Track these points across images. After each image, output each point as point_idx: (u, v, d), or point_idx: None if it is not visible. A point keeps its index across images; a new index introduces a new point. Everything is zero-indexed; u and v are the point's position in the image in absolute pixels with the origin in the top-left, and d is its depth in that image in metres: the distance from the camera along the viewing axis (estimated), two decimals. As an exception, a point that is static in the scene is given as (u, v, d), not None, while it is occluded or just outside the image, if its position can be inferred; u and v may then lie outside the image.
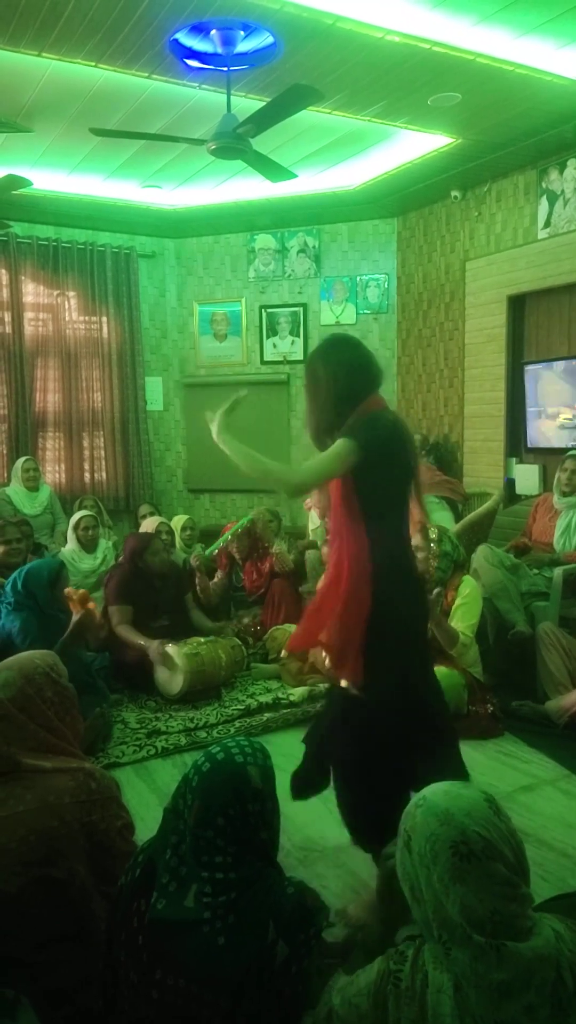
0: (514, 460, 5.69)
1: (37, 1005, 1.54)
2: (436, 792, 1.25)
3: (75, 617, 3.58)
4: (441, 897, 1.16)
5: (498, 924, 1.14)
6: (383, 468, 2.17)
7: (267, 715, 3.79)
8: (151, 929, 1.42)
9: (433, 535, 3.67)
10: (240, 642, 4.35)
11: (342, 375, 2.22)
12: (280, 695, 3.97)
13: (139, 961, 1.42)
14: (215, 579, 5.01)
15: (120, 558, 4.69)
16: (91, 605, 3.75)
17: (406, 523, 2.31)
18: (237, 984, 1.36)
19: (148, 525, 5.03)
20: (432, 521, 4.68)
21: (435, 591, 3.54)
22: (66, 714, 1.90)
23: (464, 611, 3.69)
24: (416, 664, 2.28)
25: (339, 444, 2.13)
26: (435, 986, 1.17)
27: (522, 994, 1.12)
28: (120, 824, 1.81)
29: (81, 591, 3.91)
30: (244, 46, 3.70)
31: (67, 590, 3.80)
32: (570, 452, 4.46)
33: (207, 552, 5.05)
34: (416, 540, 3.72)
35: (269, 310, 6.92)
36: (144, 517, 5.73)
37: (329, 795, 2.97)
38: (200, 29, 3.58)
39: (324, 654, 2.79)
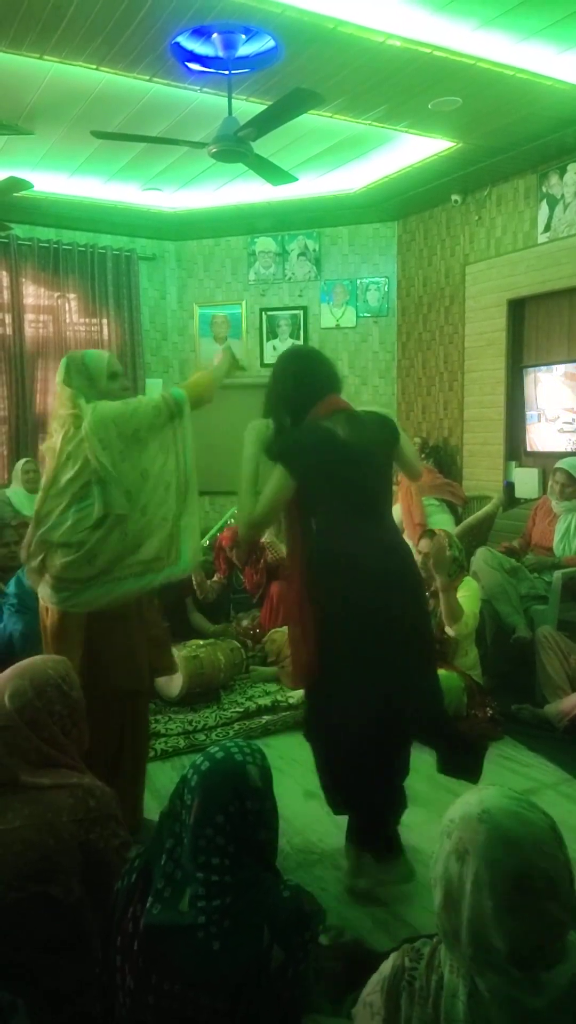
0: (513, 464, 5.70)
1: (35, 1009, 1.54)
2: (504, 811, 1.17)
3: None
4: (488, 924, 1.12)
5: (538, 959, 1.12)
6: (312, 476, 2.32)
7: (266, 718, 3.78)
8: (146, 934, 1.41)
9: (444, 540, 3.68)
10: (239, 645, 4.35)
11: (289, 385, 2.44)
12: (279, 698, 3.97)
13: (135, 966, 1.42)
14: (214, 578, 5.01)
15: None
16: None
17: (359, 517, 2.33)
18: (233, 988, 1.35)
19: None
20: (431, 524, 4.70)
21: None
22: (73, 727, 1.85)
23: (463, 602, 3.69)
24: (376, 658, 2.25)
25: (274, 476, 2.34)
26: (450, 990, 1.16)
27: (559, 1021, 1.11)
28: (118, 843, 1.78)
29: None
30: (245, 50, 3.71)
31: None
32: (558, 465, 4.43)
33: (204, 540, 5.06)
34: (423, 545, 3.75)
35: (269, 313, 6.93)
36: None
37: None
38: (202, 33, 3.59)
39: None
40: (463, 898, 1.14)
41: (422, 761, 3.34)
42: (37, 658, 1.95)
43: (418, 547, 3.80)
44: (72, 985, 1.66)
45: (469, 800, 1.22)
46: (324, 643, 2.29)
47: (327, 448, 2.30)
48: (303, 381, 2.42)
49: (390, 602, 2.27)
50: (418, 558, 3.41)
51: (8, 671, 1.88)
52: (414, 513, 4.84)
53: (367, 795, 2.41)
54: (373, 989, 1.25)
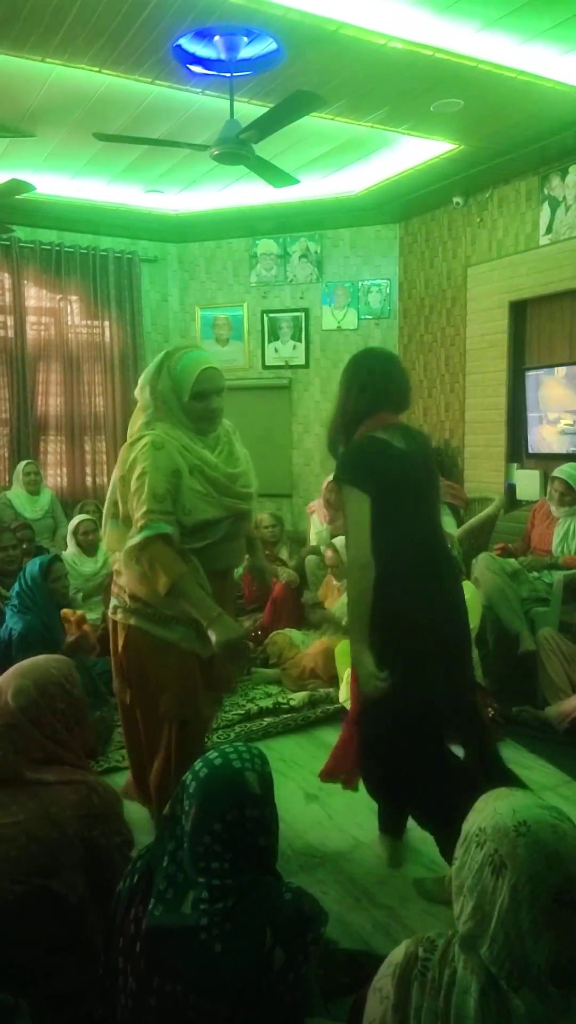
0: (515, 466, 5.69)
1: (37, 1011, 1.54)
2: (542, 825, 1.16)
3: (69, 638, 3.62)
4: (526, 937, 1.12)
5: (570, 973, 1.12)
6: (380, 489, 2.23)
7: (267, 720, 3.78)
8: (148, 936, 1.41)
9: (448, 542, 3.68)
10: (240, 647, 4.34)
11: (353, 393, 2.36)
12: (280, 700, 3.96)
13: (137, 968, 1.42)
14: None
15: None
16: (86, 628, 3.80)
17: (422, 525, 2.33)
18: (235, 991, 1.35)
19: None
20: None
21: None
22: (75, 725, 1.88)
23: None
24: (431, 664, 2.24)
25: (350, 501, 2.24)
26: (462, 986, 1.15)
27: None
28: (119, 840, 1.80)
29: (79, 613, 3.96)
30: (247, 52, 3.71)
31: (64, 611, 3.85)
32: (555, 473, 4.42)
33: None
34: None
35: (271, 315, 6.93)
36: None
37: (330, 801, 2.98)
38: (203, 35, 3.59)
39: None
40: (497, 911, 1.13)
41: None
42: (40, 658, 1.98)
43: None
44: (74, 988, 1.66)
45: (499, 809, 1.19)
46: (380, 647, 2.23)
47: (388, 458, 2.27)
48: (362, 394, 2.35)
49: (449, 609, 2.33)
50: None
51: (10, 671, 1.91)
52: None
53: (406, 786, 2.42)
54: (384, 974, 1.24)
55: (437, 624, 2.25)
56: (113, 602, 2.48)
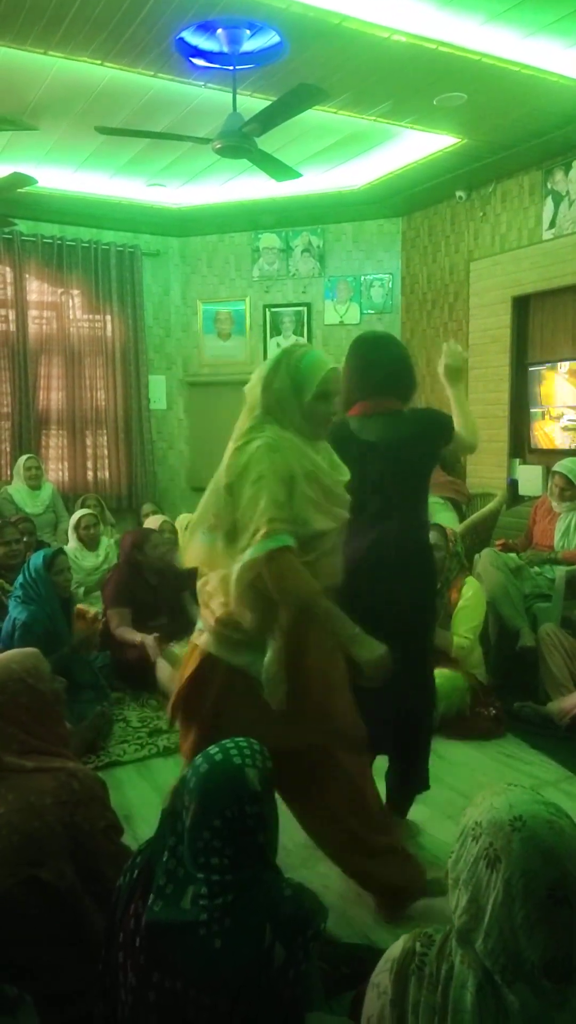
0: (517, 461, 5.68)
1: (39, 1004, 1.54)
2: (538, 820, 1.16)
3: (79, 634, 3.65)
4: (520, 933, 1.12)
5: (565, 970, 1.12)
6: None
7: (268, 715, 3.78)
8: (148, 931, 1.41)
9: (451, 536, 3.68)
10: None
11: (347, 377, 2.37)
12: (281, 695, 3.96)
13: (136, 963, 1.42)
14: None
15: (119, 557, 4.70)
16: (97, 625, 3.83)
17: (371, 518, 2.34)
18: (234, 987, 1.35)
19: (151, 523, 5.04)
20: (435, 521, 4.68)
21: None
22: (46, 718, 1.89)
23: (466, 613, 3.69)
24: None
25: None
26: (459, 980, 1.15)
27: None
28: (104, 825, 1.81)
29: (93, 611, 3.98)
30: (250, 45, 3.70)
31: (79, 607, 3.88)
32: (556, 468, 4.42)
33: None
34: (433, 537, 3.73)
35: (273, 309, 6.92)
36: (147, 516, 5.73)
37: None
38: (206, 28, 3.57)
39: None
40: (491, 906, 1.14)
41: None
42: (5, 654, 2.03)
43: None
44: (75, 984, 1.67)
45: (496, 804, 1.19)
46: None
47: (344, 447, 2.27)
48: (351, 378, 2.41)
49: (379, 596, 2.25)
50: None
51: None
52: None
53: None
54: (382, 969, 1.24)
55: (370, 607, 2.13)
56: (203, 630, 2.12)
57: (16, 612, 3.63)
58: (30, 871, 1.66)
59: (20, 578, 3.81)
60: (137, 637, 4.02)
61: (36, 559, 3.80)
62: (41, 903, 1.67)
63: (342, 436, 2.32)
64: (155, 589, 4.36)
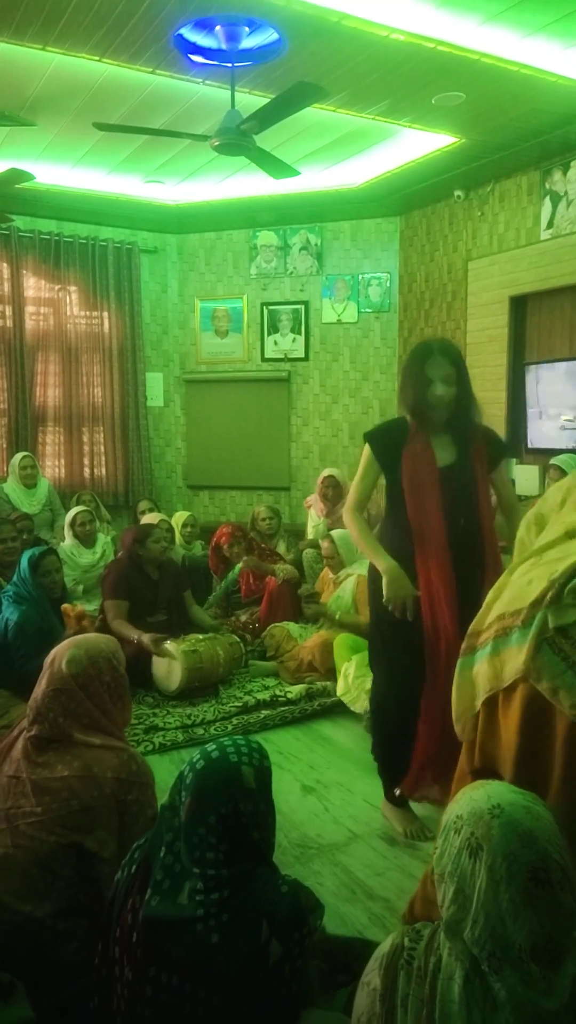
0: (514, 461, 5.69)
1: (32, 989, 1.55)
2: (514, 806, 1.20)
3: (68, 632, 3.64)
4: (506, 917, 1.14)
5: (552, 953, 1.14)
6: (387, 461, 2.59)
7: (264, 712, 3.79)
8: (145, 926, 1.42)
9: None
10: (238, 639, 4.35)
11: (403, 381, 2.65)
12: (278, 692, 3.97)
13: (133, 958, 1.42)
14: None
15: (119, 553, 4.69)
16: (85, 623, 3.82)
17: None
18: (231, 982, 1.36)
19: (149, 520, 5.04)
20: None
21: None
22: (119, 699, 2.01)
23: None
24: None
25: (363, 456, 2.66)
26: (447, 973, 1.17)
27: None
28: (150, 813, 1.91)
29: (78, 608, 3.98)
30: (249, 42, 3.69)
31: (64, 607, 3.87)
32: (553, 461, 4.44)
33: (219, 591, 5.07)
34: None
35: (271, 307, 6.92)
36: (143, 513, 5.74)
37: (326, 793, 2.99)
38: (205, 25, 3.57)
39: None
40: (476, 893, 1.17)
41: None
42: (92, 634, 2.23)
43: None
44: (79, 961, 1.69)
45: (475, 796, 1.23)
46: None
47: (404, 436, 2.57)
48: (407, 381, 2.61)
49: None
50: None
51: (64, 642, 2.06)
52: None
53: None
54: (372, 967, 1.26)
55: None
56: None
57: (9, 612, 3.64)
58: (76, 836, 1.77)
59: (14, 577, 3.82)
60: (134, 634, 4.00)
61: (23, 560, 3.81)
62: (78, 869, 1.77)
63: (405, 427, 2.63)
64: (155, 585, 4.36)
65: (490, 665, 1.64)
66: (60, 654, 2.00)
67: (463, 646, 1.77)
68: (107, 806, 1.82)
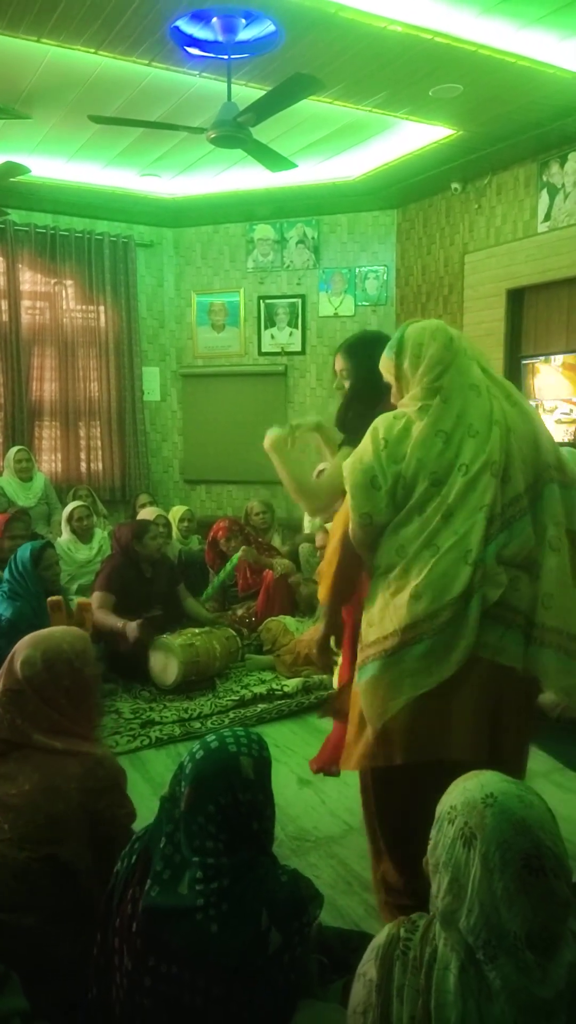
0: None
1: (27, 982, 1.55)
2: (507, 794, 1.21)
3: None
4: (500, 905, 1.15)
5: (546, 941, 1.15)
6: None
7: (261, 706, 3.79)
8: (145, 916, 1.42)
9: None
10: (235, 633, 4.35)
11: (363, 376, 2.36)
12: (274, 686, 3.97)
13: (133, 948, 1.43)
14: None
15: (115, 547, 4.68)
16: (87, 616, 3.82)
17: None
18: (230, 971, 1.36)
19: (146, 515, 5.03)
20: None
21: None
22: (81, 702, 1.87)
23: None
24: None
25: (340, 455, 2.31)
26: (442, 963, 1.18)
27: (561, 1014, 1.13)
28: (123, 813, 1.83)
29: (87, 601, 3.97)
30: (245, 34, 3.68)
31: (51, 599, 3.81)
32: None
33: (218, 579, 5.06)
34: None
35: (267, 301, 6.90)
36: (143, 506, 5.74)
37: (323, 786, 2.99)
38: (201, 17, 3.56)
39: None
40: (471, 882, 1.17)
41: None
42: (56, 629, 1.99)
43: None
44: (71, 960, 1.68)
45: (468, 786, 1.24)
46: None
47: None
48: (373, 376, 2.35)
49: None
50: None
51: (26, 639, 1.91)
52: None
53: None
54: (368, 958, 1.27)
55: None
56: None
57: (2, 608, 3.60)
58: (49, 849, 1.69)
59: (6, 572, 3.77)
60: (119, 623, 3.98)
61: (23, 553, 3.74)
62: (56, 878, 1.70)
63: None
64: (149, 581, 4.36)
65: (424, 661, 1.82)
66: (18, 650, 1.87)
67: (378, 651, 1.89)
68: (75, 817, 1.72)
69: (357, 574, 2.07)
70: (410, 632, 1.81)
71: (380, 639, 1.87)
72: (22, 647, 1.87)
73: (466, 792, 1.24)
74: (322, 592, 2.18)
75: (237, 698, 3.85)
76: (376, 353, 2.11)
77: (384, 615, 1.87)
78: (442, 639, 1.79)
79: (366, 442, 1.94)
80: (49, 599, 3.82)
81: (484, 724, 1.86)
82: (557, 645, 1.84)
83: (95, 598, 4.15)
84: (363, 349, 2.42)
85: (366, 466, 1.89)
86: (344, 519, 1.96)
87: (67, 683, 1.84)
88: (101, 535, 5.28)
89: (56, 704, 1.82)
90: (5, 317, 6.34)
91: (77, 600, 4.15)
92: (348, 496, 1.93)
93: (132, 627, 3.92)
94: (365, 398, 2.35)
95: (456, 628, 1.79)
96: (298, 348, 6.84)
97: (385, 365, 2.04)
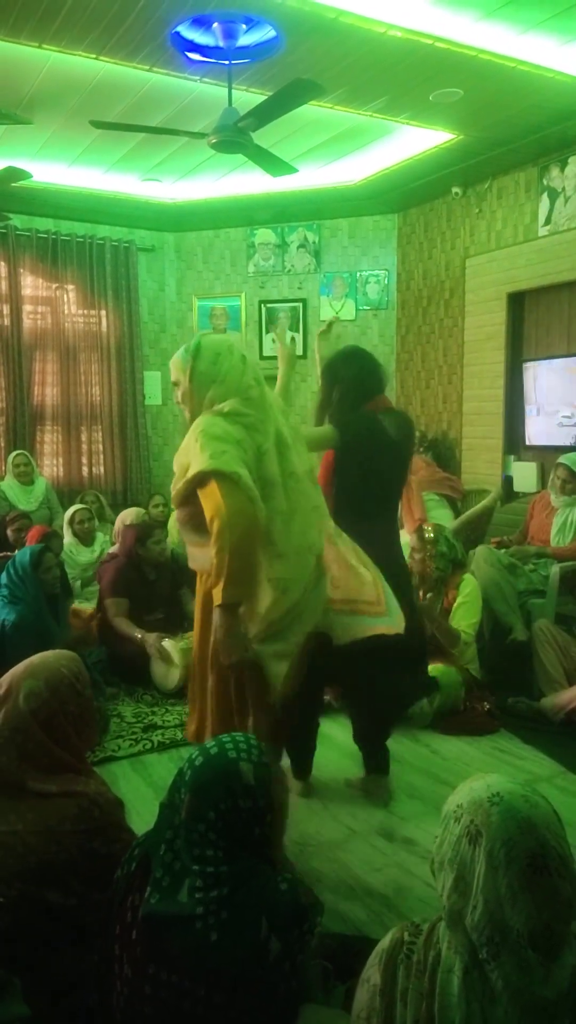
0: (512, 457, 5.69)
1: (28, 989, 1.54)
2: (513, 794, 1.22)
3: (76, 632, 3.66)
4: (504, 902, 1.15)
5: (549, 941, 1.15)
6: (352, 454, 2.70)
7: (263, 710, 3.78)
8: (145, 924, 1.42)
9: (430, 534, 3.67)
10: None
11: (351, 385, 2.79)
12: (276, 690, 3.96)
13: (133, 956, 1.42)
14: None
15: (115, 549, 4.68)
16: (93, 624, 3.82)
17: (373, 509, 2.76)
18: (230, 979, 1.36)
19: (128, 516, 5.05)
20: (430, 519, 4.68)
21: (427, 595, 3.57)
22: (84, 727, 1.84)
23: (465, 610, 3.70)
24: None
25: (325, 428, 2.77)
26: (446, 965, 1.18)
27: (564, 1016, 1.13)
28: (119, 847, 1.76)
29: (90, 609, 3.98)
30: (246, 39, 3.69)
31: (74, 607, 3.84)
32: (560, 460, 4.42)
33: None
34: (412, 541, 3.74)
35: (268, 305, 6.91)
36: (156, 507, 5.79)
37: (325, 792, 2.99)
38: (202, 22, 3.56)
39: None
40: (476, 880, 1.17)
41: (415, 754, 3.36)
42: (48, 655, 1.90)
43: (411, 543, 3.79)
44: (69, 978, 1.67)
45: (474, 786, 1.25)
46: None
47: (376, 435, 2.68)
48: (362, 381, 2.78)
49: None
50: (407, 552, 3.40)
51: (20, 669, 1.84)
52: (414, 508, 4.82)
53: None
54: (372, 963, 1.27)
55: None
56: None
57: (5, 613, 3.59)
58: (40, 891, 1.64)
59: (4, 577, 3.75)
60: (137, 633, 4.00)
61: (23, 556, 3.73)
62: (46, 915, 1.66)
63: (377, 427, 2.72)
64: (152, 584, 4.36)
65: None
66: (16, 685, 1.77)
67: None
68: (70, 859, 1.67)
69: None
70: None
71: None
72: (19, 680, 1.80)
73: (472, 792, 1.24)
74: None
75: (239, 702, 3.84)
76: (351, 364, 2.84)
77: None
78: None
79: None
80: (72, 607, 3.87)
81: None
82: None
83: (109, 606, 4.17)
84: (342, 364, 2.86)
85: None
86: None
87: (72, 708, 1.79)
88: (103, 539, 5.28)
89: (62, 732, 1.77)
90: (7, 322, 6.35)
91: (84, 610, 4.16)
92: None
93: (151, 640, 3.94)
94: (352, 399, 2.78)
95: None
96: (299, 352, 6.83)
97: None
